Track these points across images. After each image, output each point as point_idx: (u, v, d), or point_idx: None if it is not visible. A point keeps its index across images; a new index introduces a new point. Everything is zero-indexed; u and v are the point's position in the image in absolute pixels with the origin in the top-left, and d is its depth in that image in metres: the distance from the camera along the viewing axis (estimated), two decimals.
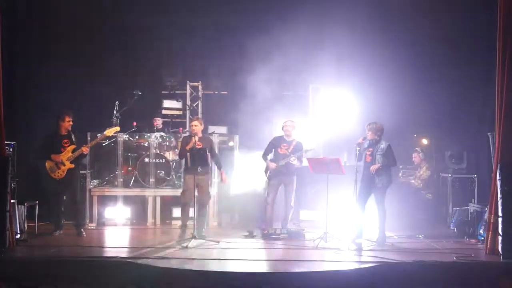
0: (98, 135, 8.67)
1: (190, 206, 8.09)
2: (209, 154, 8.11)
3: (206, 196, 8.27)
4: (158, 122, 10.36)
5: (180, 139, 8.98)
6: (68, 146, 8.25)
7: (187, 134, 8.78)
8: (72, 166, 8.24)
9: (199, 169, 8.00)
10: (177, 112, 10.90)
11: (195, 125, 8.26)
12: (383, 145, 8.03)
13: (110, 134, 8.69)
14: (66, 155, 8.22)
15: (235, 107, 10.15)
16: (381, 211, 8.05)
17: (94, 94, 10.20)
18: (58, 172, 8.20)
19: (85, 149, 8.28)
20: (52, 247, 7.41)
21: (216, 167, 8.75)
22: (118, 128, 8.88)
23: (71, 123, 8.29)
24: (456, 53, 10.25)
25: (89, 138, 8.89)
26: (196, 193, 8.06)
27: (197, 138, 8.15)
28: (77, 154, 8.22)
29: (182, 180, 8.34)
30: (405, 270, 6.63)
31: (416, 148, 9.99)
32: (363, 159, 8.09)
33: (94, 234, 8.53)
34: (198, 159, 7.91)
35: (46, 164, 8.19)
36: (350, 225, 8.34)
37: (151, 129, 10.08)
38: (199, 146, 8.05)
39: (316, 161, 8.39)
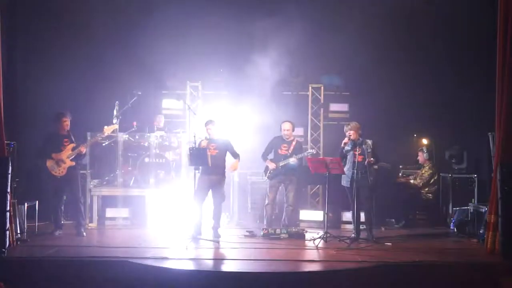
0: (98, 134, 8.67)
1: (202, 206, 8.12)
2: (208, 154, 8.10)
3: (219, 197, 8.29)
4: (160, 119, 10.33)
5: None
6: (68, 144, 8.32)
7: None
8: (73, 163, 8.31)
9: (214, 170, 8.10)
10: (177, 112, 10.89)
11: (209, 128, 8.32)
12: (369, 142, 8.04)
13: (108, 132, 8.69)
14: (66, 153, 8.27)
15: (235, 107, 10.13)
16: (371, 208, 8.08)
17: (94, 94, 10.19)
18: (59, 170, 8.25)
19: (83, 149, 8.32)
20: (52, 247, 7.42)
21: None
22: (116, 126, 8.89)
23: (68, 123, 8.34)
24: (456, 52, 10.25)
25: (89, 138, 8.89)
26: (210, 193, 8.23)
27: (205, 143, 8.21)
28: (76, 152, 8.26)
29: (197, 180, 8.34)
30: (405, 270, 6.63)
31: (422, 148, 9.99)
32: (351, 160, 8.06)
33: (94, 234, 8.54)
34: (198, 159, 7.93)
35: (47, 162, 8.25)
36: (349, 225, 8.36)
37: (151, 129, 10.07)
38: (214, 152, 8.17)
39: (316, 161, 8.39)
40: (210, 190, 8.24)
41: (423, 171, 9.73)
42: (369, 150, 7.99)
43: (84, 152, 8.40)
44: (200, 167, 8.15)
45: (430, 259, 6.88)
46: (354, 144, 8.07)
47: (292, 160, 8.54)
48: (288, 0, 9.93)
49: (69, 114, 8.39)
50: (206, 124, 8.40)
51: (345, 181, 8.17)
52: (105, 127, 8.61)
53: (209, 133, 8.32)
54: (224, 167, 8.35)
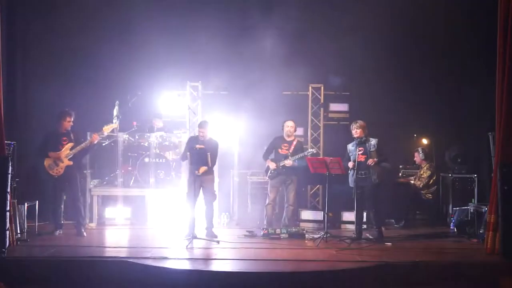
0: (98, 133, 8.64)
1: (195, 206, 8.12)
2: (208, 154, 8.10)
3: (211, 196, 8.34)
4: (158, 122, 10.34)
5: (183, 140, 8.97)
6: (67, 143, 8.28)
7: (193, 135, 8.80)
8: (70, 163, 8.27)
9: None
10: (177, 112, 10.87)
11: (204, 131, 8.29)
12: (373, 141, 8.04)
13: (108, 131, 8.67)
14: (64, 153, 8.24)
15: (235, 107, 10.14)
16: (375, 208, 8.07)
17: (94, 94, 10.19)
18: (56, 169, 8.22)
19: (96, 136, 8.26)
20: (52, 247, 7.42)
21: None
22: (115, 125, 8.88)
23: (71, 123, 8.33)
24: (456, 53, 10.25)
25: (88, 138, 8.88)
26: (201, 193, 8.22)
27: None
28: (75, 151, 8.23)
29: (187, 180, 8.35)
30: (405, 270, 6.63)
31: (417, 148, 9.98)
32: (355, 160, 8.05)
33: (94, 234, 8.53)
34: (198, 159, 7.94)
35: (44, 161, 8.23)
36: (350, 225, 8.36)
37: (151, 129, 10.06)
38: (201, 147, 8.09)
39: (316, 161, 8.39)
40: (201, 190, 8.24)
41: (422, 172, 9.72)
42: (371, 149, 8.00)
43: (97, 141, 8.36)
44: (189, 167, 8.19)
45: (430, 259, 6.88)
46: (359, 142, 8.06)
47: (288, 163, 8.52)
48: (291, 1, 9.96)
49: (73, 114, 8.37)
50: (203, 125, 8.38)
51: (350, 181, 8.16)
52: (105, 126, 8.58)
53: (205, 134, 8.30)
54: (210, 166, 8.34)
